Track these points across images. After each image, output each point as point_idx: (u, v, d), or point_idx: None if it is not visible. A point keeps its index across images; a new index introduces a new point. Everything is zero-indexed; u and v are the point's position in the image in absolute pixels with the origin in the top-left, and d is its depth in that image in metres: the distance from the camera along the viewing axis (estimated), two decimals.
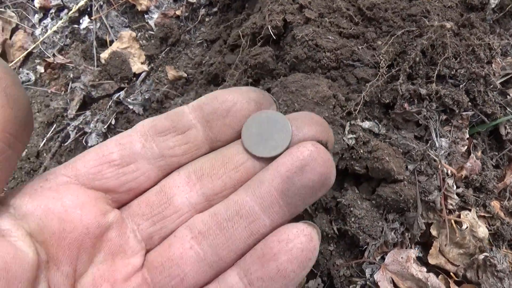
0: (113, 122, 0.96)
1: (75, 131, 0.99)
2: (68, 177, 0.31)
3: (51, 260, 0.29)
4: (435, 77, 0.59)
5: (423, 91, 0.59)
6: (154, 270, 0.32)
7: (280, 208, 0.30)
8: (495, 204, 0.58)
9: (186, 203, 0.33)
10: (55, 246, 0.29)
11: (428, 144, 0.59)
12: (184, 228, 0.32)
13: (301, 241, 0.29)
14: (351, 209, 0.65)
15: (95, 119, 0.96)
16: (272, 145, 0.32)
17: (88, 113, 0.99)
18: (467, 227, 0.55)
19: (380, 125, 0.64)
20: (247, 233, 0.30)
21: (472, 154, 0.59)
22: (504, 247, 0.56)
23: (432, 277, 0.55)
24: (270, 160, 0.32)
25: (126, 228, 0.33)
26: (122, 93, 0.96)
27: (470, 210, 0.58)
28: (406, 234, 0.61)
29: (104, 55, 0.99)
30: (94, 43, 1.03)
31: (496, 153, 0.61)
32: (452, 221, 0.56)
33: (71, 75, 1.06)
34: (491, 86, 0.57)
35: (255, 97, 0.33)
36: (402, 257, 0.59)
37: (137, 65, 0.98)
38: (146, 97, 0.96)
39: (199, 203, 0.33)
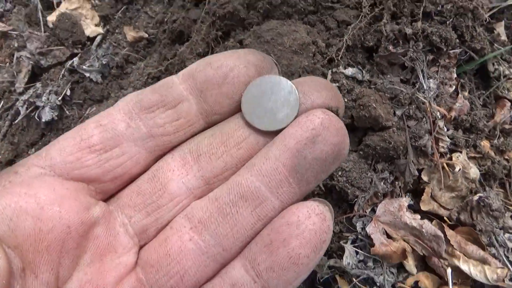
0: (68, 93, 0.87)
1: (26, 106, 0.89)
2: (42, 168, 0.27)
3: (27, 267, 0.25)
4: (420, 14, 0.55)
5: (408, 31, 0.55)
6: (149, 269, 0.28)
7: (290, 187, 0.27)
8: (485, 144, 0.57)
9: (183, 188, 0.29)
10: (31, 250, 0.25)
11: (416, 86, 0.56)
12: (181, 218, 0.28)
13: (313, 221, 0.26)
14: None
15: (47, 91, 0.86)
16: (277, 116, 0.28)
17: (38, 85, 0.88)
18: (459, 169, 0.53)
19: (363, 71, 0.60)
20: (255, 218, 0.27)
21: (460, 94, 0.56)
22: (496, 186, 0.55)
23: (426, 224, 0.53)
24: (275, 133, 0.28)
25: (115, 223, 0.29)
26: (75, 60, 0.86)
27: (460, 152, 0.56)
28: (397, 182, 0.59)
29: (52, 18, 0.89)
30: (39, 5, 0.92)
31: (483, 92, 0.59)
32: (444, 164, 0.54)
33: (16, 44, 0.94)
34: (479, 20, 0.54)
35: (254, 61, 0.29)
36: (394, 207, 0.57)
37: (91, 28, 0.88)
38: (104, 62, 0.87)
39: (198, 188, 0.29)
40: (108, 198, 0.30)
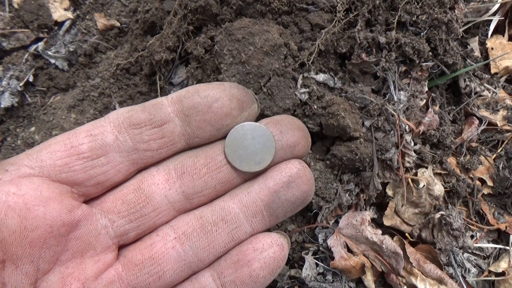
0: (31, 79, 0.82)
1: None
2: (32, 168, 0.30)
3: (8, 259, 0.28)
4: (395, 23, 0.53)
5: (382, 40, 0.53)
6: (133, 268, 0.32)
7: (262, 218, 0.33)
8: (451, 161, 0.56)
9: (165, 201, 0.33)
10: (14, 245, 0.28)
11: (386, 98, 0.54)
12: (167, 227, 0.33)
13: (274, 250, 0.32)
14: None
15: (8, 75, 0.81)
16: (256, 160, 0.34)
17: None
18: (424, 185, 0.52)
19: (335, 78, 0.58)
20: (229, 239, 0.33)
21: (430, 109, 0.55)
22: (459, 204, 0.54)
23: (387, 240, 0.52)
24: (252, 173, 0.34)
25: (96, 224, 0.32)
26: (40, 45, 0.82)
27: (426, 167, 0.54)
28: (361, 195, 0.57)
29: None
30: None
31: (454, 108, 0.58)
32: (409, 180, 0.53)
33: None
34: (453, 34, 0.52)
35: (237, 95, 0.34)
36: (356, 220, 0.55)
37: (59, 12, 0.84)
38: (71, 49, 0.82)
39: (178, 201, 0.33)
40: (90, 200, 0.33)
